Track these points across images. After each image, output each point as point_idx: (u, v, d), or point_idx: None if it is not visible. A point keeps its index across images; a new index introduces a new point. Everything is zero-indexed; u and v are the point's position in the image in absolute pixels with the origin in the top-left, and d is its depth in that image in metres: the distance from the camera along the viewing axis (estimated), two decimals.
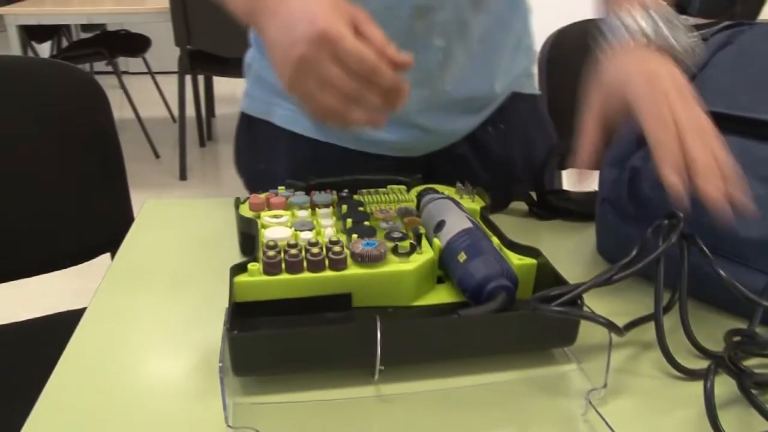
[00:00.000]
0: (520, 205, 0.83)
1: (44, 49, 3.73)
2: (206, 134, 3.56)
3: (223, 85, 3.79)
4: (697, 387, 0.48)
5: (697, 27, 0.72)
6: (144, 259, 0.69)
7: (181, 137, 3.05)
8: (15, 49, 2.78)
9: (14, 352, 1.00)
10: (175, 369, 0.52)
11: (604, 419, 0.47)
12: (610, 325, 0.50)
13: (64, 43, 3.82)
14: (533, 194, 0.83)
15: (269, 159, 0.87)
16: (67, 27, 4.04)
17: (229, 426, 0.44)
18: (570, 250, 0.72)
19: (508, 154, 0.91)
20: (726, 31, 0.71)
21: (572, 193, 0.82)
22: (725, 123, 0.60)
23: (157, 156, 3.33)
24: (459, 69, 0.80)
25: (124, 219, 1.05)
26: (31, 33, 3.18)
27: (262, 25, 0.57)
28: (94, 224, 1.07)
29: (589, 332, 0.53)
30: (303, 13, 0.53)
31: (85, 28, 4.24)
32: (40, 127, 1.02)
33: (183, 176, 3.07)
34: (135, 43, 3.57)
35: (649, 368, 0.53)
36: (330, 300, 0.54)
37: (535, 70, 0.97)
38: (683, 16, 0.65)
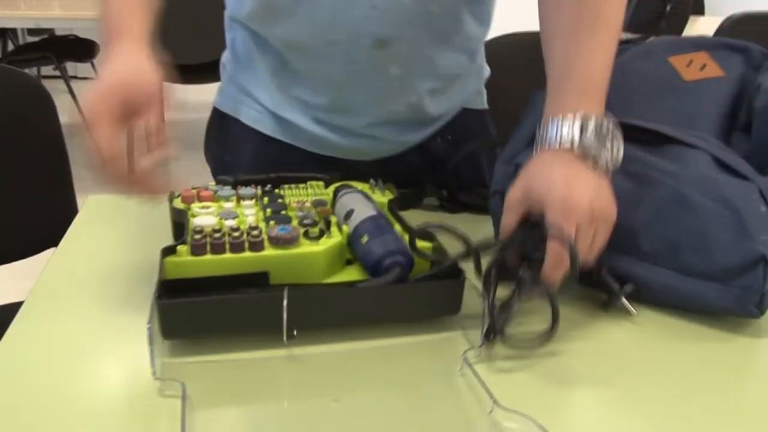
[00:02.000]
0: (434, 201, 0.93)
1: None
2: None
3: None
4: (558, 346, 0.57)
5: (626, 41, 0.83)
6: (84, 251, 0.76)
7: (129, 143, 3.07)
8: None
9: None
10: (110, 344, 0.60)
11: (474, 372, 0.55)
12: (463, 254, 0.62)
13: (10, 47, 3.80)
14: (444, 191, 0.92)
15: (235, 153, 0.95)
16: (14, 30, 4.02)
17: (156, 378, 0.52)
18: (474, 238, 0.81)
19: (454, 161, 0.97)
20: None
21: (480, 190, 0.91)
22: None
23: None
24: (416, 95, 0.88)
25: (70, 218, 1.10)
26: None
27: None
28: (40, 223, 1.11)
29: (475, 303, 0.61)
30: (97, 80, 0.66)
31: (32, 32, 4.22)
32: None
33: None
34: (83, 48, 3.57)
35: (517, 330, 0.62)
36: (250, 278, 0.61)
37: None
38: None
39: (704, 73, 0.77)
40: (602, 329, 0.65)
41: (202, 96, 4.38)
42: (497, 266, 0.64)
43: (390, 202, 0.76)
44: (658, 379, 0.58)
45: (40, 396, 0.52)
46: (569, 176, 0.62)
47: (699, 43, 0.80)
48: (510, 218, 0.65)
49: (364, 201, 0.70)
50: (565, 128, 0.65)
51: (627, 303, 0.68)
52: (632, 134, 0.71)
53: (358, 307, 0.60)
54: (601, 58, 0.68)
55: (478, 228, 0.83)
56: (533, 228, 0.63)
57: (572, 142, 0.64)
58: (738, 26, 2.75)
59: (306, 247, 0.63)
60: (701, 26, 2.89)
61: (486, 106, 1.03)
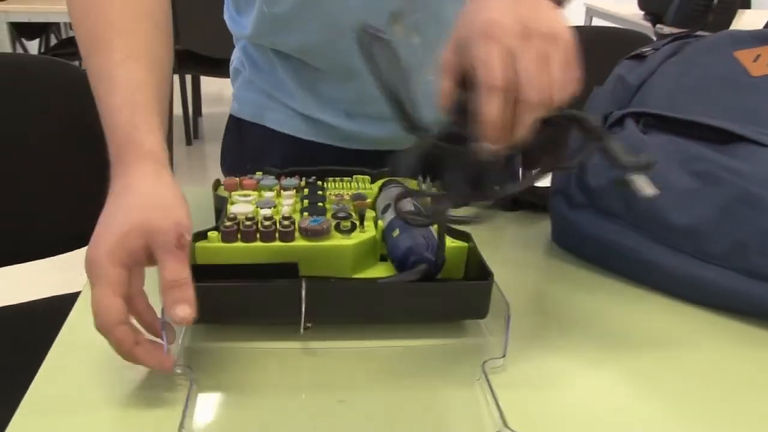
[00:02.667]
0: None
1: (33, 47, 3.77)
2: (193, 133, 3.62)
3: (210, 84, 3.86)
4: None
5: (672, 36, 0.80)
6: None
7: (168, 136, 3.11)
8: (4, 45, 2.82)
9: (7, 336, 1.04)
10: None
11: (491, 388, 0.53)
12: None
13: (53, 41, 3.86)
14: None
15: (257, 160, 0.90)
16: (57, 24, 4.10)
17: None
18: (528, 239, 0.80)
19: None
20: (674, 43, 0.80)
21: (535, 188, 0.89)
22: (667, 124, 0.71)
23: None
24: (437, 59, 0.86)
25: None
26: (21, 30, 3.22)
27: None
28: (84, 215, 1.12)
29: (501, 308, 0.59)
30: (99, 229, 0.53)
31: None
32: (30, 122, 1.07)
33: None
34: None
35: (543, 348, 0.60)
36: (279, 268, 0.60)
37: None
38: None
39: None
40: (644, 332, 0.63)
41: None
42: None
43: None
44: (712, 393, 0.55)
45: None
46: (490, 5, 0.53)
47: (765, 37, 0.77)
48: (445, 82, 0.55)
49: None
50: None
51: (643, 181, 0.54)
52: (699, 132, 0.69)
53: (377, 303, 0.59)
54: None
55: (533, 229, 0.82)
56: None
57: None
58: None
59: (336, 240, 0.62)
60: (748, 20, 2.83)
61: None
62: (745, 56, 0.76)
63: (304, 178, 0.76)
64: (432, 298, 0.59)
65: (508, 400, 0.51)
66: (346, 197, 0.72)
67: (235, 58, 0.94)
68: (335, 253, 0.61)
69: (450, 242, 0.65)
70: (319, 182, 0.76)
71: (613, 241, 0.71)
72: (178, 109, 3.24)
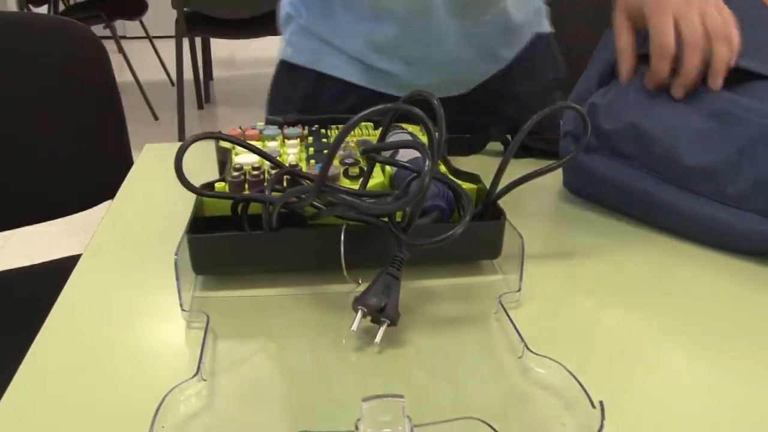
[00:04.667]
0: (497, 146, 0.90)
1: (41, 12, 3.76)
2: (204, 97, 3.61)
3: (220, 47, 3.83)
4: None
5: None
6: (141, 201, 0.75)
7: (179, 100, 3.11)
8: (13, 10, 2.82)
9: (16, 295, 1.06)
10: (155, 280, 0.59)
11: (509, 316, 0.53)
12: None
13: (61, 7, 3.85)
14: (509, 136, 0.89)
15: (308, 106, 0.91)
16: None
17: (183, 310, 0.52)
18: (538, 185, 0.77)
19: (520, 93, 0.97)
20: None
21: (544, 134, 0.87)
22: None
23: (156, 118, 3.38)
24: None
25: (125, 170, 1.11)
26: None
27: None
28: (96, 174, 1.13)
29: (515, 246, 0.59)
30: None
31: None
32: (42, 81, 1.08)
33: (182, 138, 3.13)
34: (132, 6, 3.60)
35: (555, 283, 0.60)
36: (288, 217, 0.60)
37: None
38: None
39: None
40: (655, 270, 0.62)
41: (252, 52, 4.40)
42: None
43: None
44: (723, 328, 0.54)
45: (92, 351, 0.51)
46: None
47: None
48: (622, 35, 0.71)
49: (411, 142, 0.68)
50: None
51: None
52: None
53: (394, 247, 0.57)
54: None
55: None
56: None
57: None
58: None
59: (345, 186, 0.61)
60: None
61: (549, 29, 1.00)
62: None
63: (306, 127, 0.75)
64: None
65: (526, 329, 0.51)
66: (351, 144, 0.71)
67: (287, 3, 0.94)
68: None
69: (462, 183, 0.64)
70: (323, 130, 0.75)
71: (627, 185, 0.69)
72: (188, 73, 3.23)
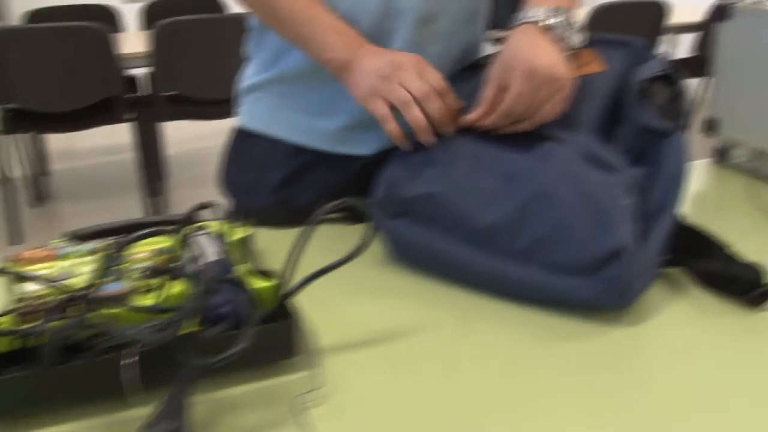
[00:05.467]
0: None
1: None
2: (39, 193, 3.41)
3: (56, 141, 3.66)
4: None
5: None
6: None
7: (5, 199, 2.92)
8: None
9: None
10: None
11: (308, 419, 0.51)
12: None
13: None
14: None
15: (261, 169, 0.97)
16: None
17: None
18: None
19: None
20: None
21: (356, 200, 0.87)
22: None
23: None
24: (449, 73, 0.89)
25: None
26: None
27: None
28: None
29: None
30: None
31: None
32: None
33: (14, 241, 2.92)
34: None
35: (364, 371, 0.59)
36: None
37: None
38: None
39: (586, 68, 0.79)
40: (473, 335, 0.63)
41: (91, 141, 4.22)
42: None
43: (247, 237, 0.72)
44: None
45: None
46: (534, 43, 0.73)
47: None
48: (489, 90, 0.75)
49: (209, 243, 0.66)
50: (540, 11, 0.76)
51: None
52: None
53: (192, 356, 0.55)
54: None
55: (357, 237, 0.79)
56: None
57: (543, 19, 0.75)
58: (604, 15, 2.86)
59: (141, 301, 0.58)
60: None
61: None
62: None
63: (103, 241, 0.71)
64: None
65: (330, 428, 0.50)
66: (147, 255, 0.67)
67: (246, 80, 1.00)
68: (136, 315, 0.57)
69: (258, 283, 0.62)
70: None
71: (430, 247, 0.72)
72: (18, 170, 3.04)
